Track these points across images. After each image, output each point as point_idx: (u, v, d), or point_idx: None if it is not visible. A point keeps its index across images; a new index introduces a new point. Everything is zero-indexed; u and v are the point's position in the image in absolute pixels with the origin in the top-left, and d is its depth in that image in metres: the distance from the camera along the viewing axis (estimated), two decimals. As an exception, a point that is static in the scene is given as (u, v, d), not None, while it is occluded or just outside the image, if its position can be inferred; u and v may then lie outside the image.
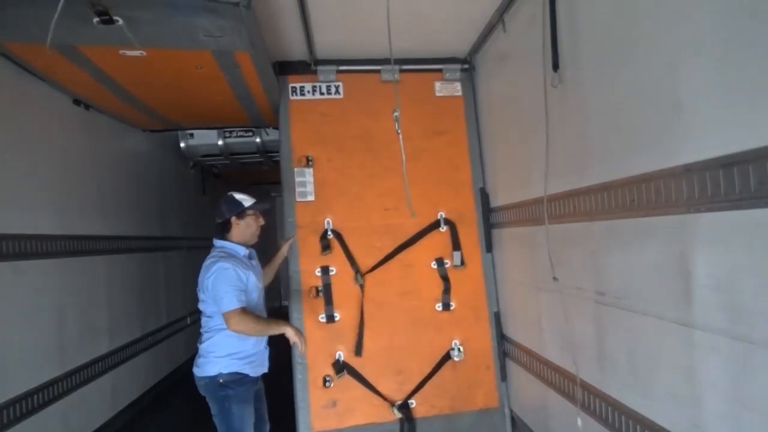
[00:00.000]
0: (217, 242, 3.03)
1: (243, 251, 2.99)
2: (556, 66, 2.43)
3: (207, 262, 2.90)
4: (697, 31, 1.57)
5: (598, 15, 2.18)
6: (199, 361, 2.90)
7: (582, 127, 2.32)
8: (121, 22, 2.40)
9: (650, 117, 1.82)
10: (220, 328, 2.84)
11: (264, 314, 3.05)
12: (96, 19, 2.36)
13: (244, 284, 2.85)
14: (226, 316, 2.76)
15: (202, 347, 2.90)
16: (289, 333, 2.93)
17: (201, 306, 2.92)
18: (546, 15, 2.49)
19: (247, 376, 2.90)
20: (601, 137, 2.18)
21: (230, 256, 2.91)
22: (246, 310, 2.81)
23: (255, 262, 3.09)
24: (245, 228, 3.00)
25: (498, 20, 3.24)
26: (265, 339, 3.01)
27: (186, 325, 6.25)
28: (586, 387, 2.38)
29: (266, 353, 3.02)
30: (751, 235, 1.39)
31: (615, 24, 2.05)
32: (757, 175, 1.35)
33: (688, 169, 1.61)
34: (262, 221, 3.05)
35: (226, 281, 2.78)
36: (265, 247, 3.39)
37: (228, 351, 2.86)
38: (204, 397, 2.92)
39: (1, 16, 2.38)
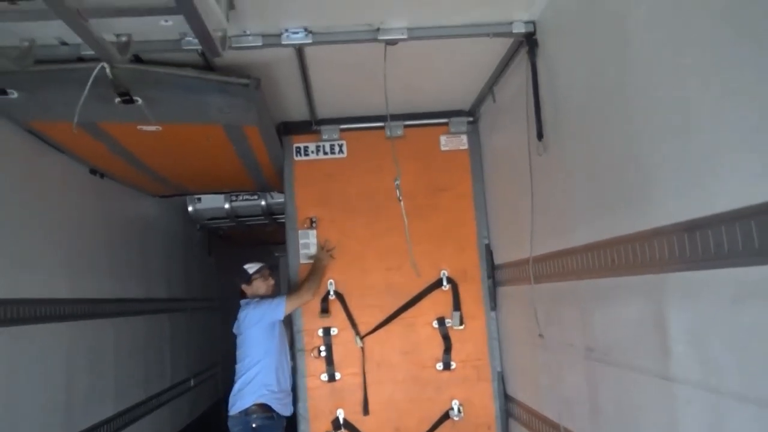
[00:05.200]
0: (243, 300, 3.54)
1: None
2: (540, 135, 2.63)
3: (241, 311, 3.44)
4: (659, 114, 1.75)
5: (574, 93, 2.38)
6: (232, 400, 3.28)
7: (566, 192, 2.49)
8: (140, 101, 2.64)
9: (623, 185, 1.99)
10: (254, 363, 3.29)
11: (286, 366, 3.46)
12: (117, 99, 2.59)
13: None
14: (286, 307, 3.36)
15: (237, 384, 3.29)
16: (322, 254, 3.66)
17: (239, 350, 3.38)
18: (529, 87, 2.71)
19: (275, 413, 3.26)
20: (583, 202, 2.34)
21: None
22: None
23: None
24: (255, 290, 3.54)
25: (488, 91, 3.49)
26: (290, 381, 3.46)
27: (189, 388, 6.26)
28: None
29: (290, 397, 3.44)
30: (714, 293, 1.52)
31: (589, 102, 2.25)
32: (714, 238, 1.50)
33: (657, 233, 1.76)
34: (271, 280, 3.59)
35: (265, 303, 3.39)
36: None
37: (262, 382, 3.26)
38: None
39: (34, 99, 2.61)
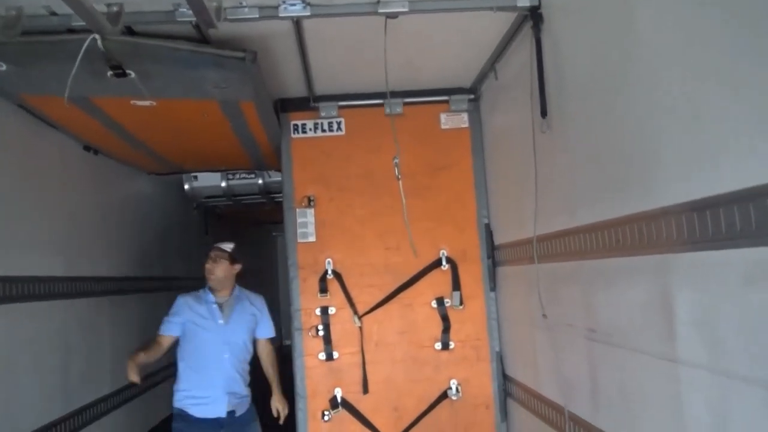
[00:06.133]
0: None
1: (209, 295, 3.32)
2: (544, 113, 2.57)
3: None
4: (667, 92, 1.70)
5: (580, 70, 2.32)
6: None
7: (570, 170, 2.44)
8: (133, 75, 2.56)
9: (629, 163, 1.94)
10: (177, 360, 3.25)
11: (212, 364, 3.22)
12: (110, 73, 2.51)
13: (179, 317, 3.26)
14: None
15: None
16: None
17: None
18: (533, 63, 2.65)
19: (188, 414, 3.16)
20: (588, 180, 2.29)
21: (194, 293, 3.37)
22: (159, 339, 3.27)
23: (219, 308, 3.31)
24: None
25: (490, 68, 3.41)
26: (220, 384, 3.19)
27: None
28: (579, 423, 2.43)
29: (223, 399, 3.18)
30: (724, 274, 1.48)
31: (595, 79, 2.19)
32: (727, 217, 1.46)
33: (665, 212, 1.72)
34: (208, 264, 3.33)
35: (173, 307, 3.33)
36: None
37: (179, 386, 3.24)
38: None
39: (23, 72, 2.54)
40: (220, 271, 3.29)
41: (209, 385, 3.17)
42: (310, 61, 3.14)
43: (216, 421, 3.16)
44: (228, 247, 3.35)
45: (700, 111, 1.56)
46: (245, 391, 3.32)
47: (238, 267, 3.37)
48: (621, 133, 1.99)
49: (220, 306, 3.30)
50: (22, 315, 3.08)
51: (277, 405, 3.37)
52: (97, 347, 4.11)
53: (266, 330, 3.46)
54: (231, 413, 3.19)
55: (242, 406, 3.29)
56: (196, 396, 3.16)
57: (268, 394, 3.43)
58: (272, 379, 3.44)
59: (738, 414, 1.47)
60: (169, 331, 3.25)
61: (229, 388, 3.20)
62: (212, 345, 3.21)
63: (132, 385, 4.55)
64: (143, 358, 3.18)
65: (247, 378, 3.35)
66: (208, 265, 3.30)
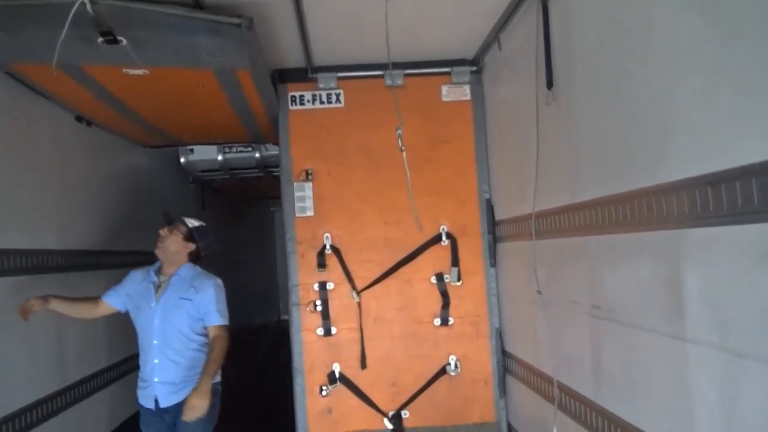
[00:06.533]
0: None
1: (152, 273, 3.07)
2: (550, 84, 2.49)
3: None
4: (683, 61, 1.63)
5: (589, 39, 2.24)
6: None
7: (576, 143, 2.37)
8: (124, 42, 2.47)
9: (640, 136, 1.87)
10: None
11: (146, 349, 2.99)
12: (100, 39, 2.42)
13: (123, 288, 3.12)
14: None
15: None
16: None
17: None
18: (539, 32, 2.56)
19: (138, 401, 3.00)
20: (595, 153, 2.23)
21: (146, 267, 3.14)
22: (97, 301, 3.12)
23: (155, 288, 3.03)
24: None
25: (494, 38, 3.31)
26: (149, 371, 2.95)
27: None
28: (581, 399, 2.41)
29: (153, 387, 2.93)
30: (737, 249, 1.43)
31: (606, 48, 2.10)
32: (744, 191, 1.40)
33: (676, 186, 1.66)
34: (161, 231, 3.05)
35: None
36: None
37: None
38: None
39: (11, 38, 2.44)
40: (171, 242, 2.99)
41: (143, 370, 2.99)
42: (308, 29, 3.03)
43: (157, 411, 2.95)
44: (192, 222, 3.07)
45: (717, 81, 1.49)
46: (189, 381, 2.93)
47: (191, 246, 3.03)
48: (632, 105, 1.92)
49: (157, 286, 3.02)
50: (13, 288, 3.02)
51: (191, 400, 2.79)
52: (92, 321, 4.06)
53: (209, 317, 2.97)
54: (156, 403, 2.95)
55: (174, 397, 2.93)
56: (140, 378, 3.02)
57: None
58: (204, 367, 2.90)
59: (747, 393, 1.44)
60: (107, 297, 3.06)
61: (160, 377, 2.93)
62: (145, 328, 2.99)
63: (128, 359, 4.58)
64: (56, 304, 2.91)
65: (198, 366, 2.95)
66: (161, 231, 3.01)
